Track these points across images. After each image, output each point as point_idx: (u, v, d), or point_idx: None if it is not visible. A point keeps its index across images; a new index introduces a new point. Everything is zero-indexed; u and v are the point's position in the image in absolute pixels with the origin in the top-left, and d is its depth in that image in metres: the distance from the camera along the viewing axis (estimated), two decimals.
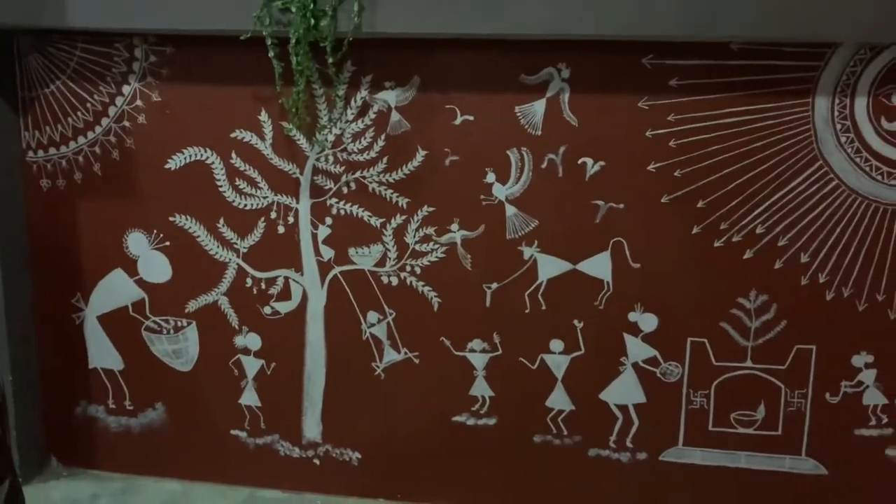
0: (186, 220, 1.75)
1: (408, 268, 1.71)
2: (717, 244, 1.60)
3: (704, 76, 1.53)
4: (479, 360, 1.73)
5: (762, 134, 1.54)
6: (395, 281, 1.72)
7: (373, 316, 1.74)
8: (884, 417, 1.60)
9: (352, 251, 1.72)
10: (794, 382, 1.63)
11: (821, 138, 1.53)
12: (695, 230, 1.60)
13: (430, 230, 1.68)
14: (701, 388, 1.66)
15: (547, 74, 1.59)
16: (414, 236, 1.69)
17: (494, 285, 1.69)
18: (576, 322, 1.68)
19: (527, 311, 1.69)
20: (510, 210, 1.66)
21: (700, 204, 1.59)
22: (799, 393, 1.63)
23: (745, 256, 1.59)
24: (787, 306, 1.60)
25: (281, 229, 1.73)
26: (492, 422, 1.75)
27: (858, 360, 1.59)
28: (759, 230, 1.58)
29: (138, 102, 1.71)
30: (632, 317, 1.66)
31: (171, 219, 1.75)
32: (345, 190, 1.70)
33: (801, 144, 1.53)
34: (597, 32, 1.45)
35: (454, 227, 1.68)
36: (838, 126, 1.52)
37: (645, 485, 1.71)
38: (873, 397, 1.60)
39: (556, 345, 1.70)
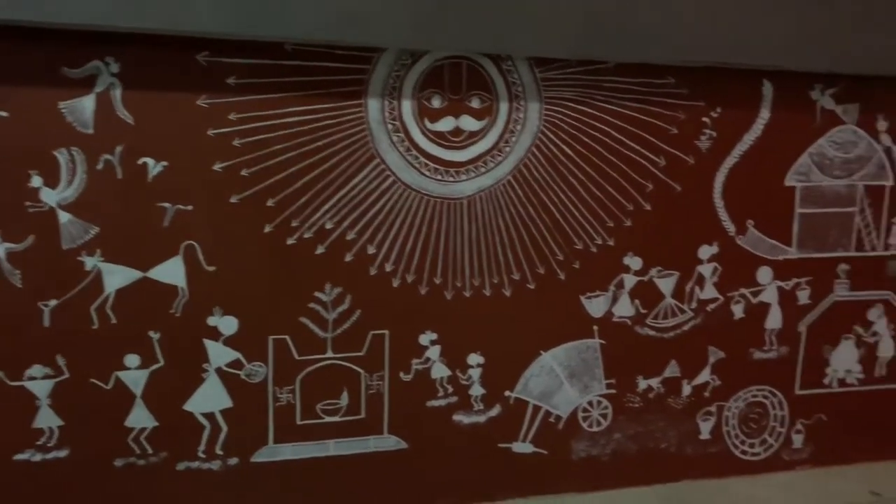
0: None
1: None
2: (289, 241, 1.62)
3: (261, 75, 1.54)
4: (41, 388, 1.54)
5: (322, 134, 1.60)
6: None
7: None
8: (449, 388, 1.78)
9: None
10: (372, 367, 1.73)
11: (376, 138, 1.64)
12: (267, 228, 1.61)
13: None
14: (286, 385, 1.68)
15: (93, 68, 1.46)
16: None
17: (53, 302, 1.52)
18: (151, 333, 1.58)
19: (94, 327, 1.54)
20: (64, 217, 1.49)
21: (270, 202, 1.60)
22: (377, 376, 1.74)
23: (318, 252, 1.64)
24: (359, 296, 1.69)
25: None
26: (63, 454, 1.57)
27: (425, 338, 1.75)
28: (328, 226, 1.64)
29: None
30: (211, 321, 1.61)
31: None
32: None
33: (359, 144, 1.63)
34: (135, 26, 1.37)
35: None
36: (390, 126, 1.64)
37: (238, 489, 1.68)
38: (439, 371, 1.77)
39: (132, 360, 1.58)
